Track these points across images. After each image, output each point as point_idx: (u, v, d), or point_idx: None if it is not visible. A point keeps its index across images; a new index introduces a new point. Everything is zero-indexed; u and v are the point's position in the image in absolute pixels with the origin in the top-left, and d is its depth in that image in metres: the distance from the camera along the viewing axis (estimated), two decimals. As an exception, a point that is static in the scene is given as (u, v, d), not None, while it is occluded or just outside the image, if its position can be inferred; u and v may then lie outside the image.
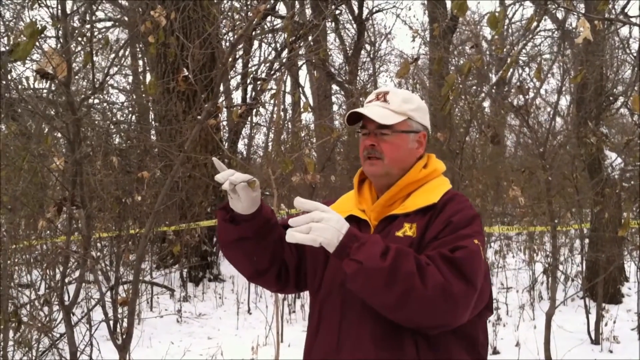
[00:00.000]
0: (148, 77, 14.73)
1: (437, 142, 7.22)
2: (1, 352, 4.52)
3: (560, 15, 12.20)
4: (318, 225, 1.75)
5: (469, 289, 1.74)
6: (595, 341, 6.89)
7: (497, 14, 3.01)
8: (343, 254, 1.75)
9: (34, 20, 3.11)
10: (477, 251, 1.79)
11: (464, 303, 1.74)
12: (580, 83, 7.85)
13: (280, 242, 2.08)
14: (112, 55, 8.33)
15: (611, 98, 9.08)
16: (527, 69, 11.03)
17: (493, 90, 10.89)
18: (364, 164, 2.05)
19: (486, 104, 12.44)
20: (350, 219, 1.99)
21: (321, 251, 1.91)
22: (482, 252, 1.82)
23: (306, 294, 2.08)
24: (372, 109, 2.02)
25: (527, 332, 7.12)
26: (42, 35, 3.15)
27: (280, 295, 6.89)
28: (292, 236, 1.76)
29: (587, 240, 8.51)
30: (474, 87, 9.96)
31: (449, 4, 14.90)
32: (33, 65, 5.82)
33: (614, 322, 7.17)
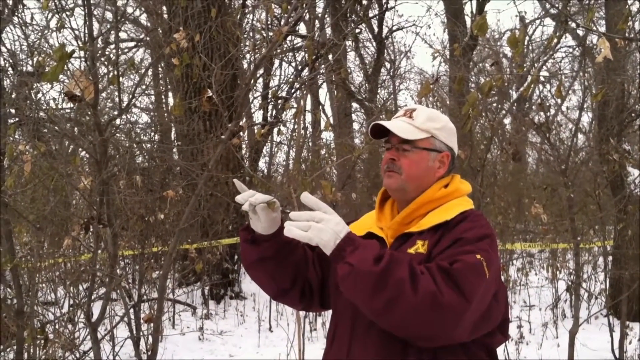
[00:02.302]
0: (170, 96, 14.90)
1: (458, 159, 7.23)
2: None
3: (580, 32, 12.19)
4: (317, 225, 1.77)
5: (462, 301, 1.70)
6: (620, 359, 6.81)
7: (517, 33, 3.03)
8: (339, 257, 1.76)
9: (63, 44, 3.19)
10: (476, 265, 1.77)
11: (455, 315, 1.71)
12: (602, 100, 7.83)
13: (304, 261, 2.11)
14: (137, 77, 8.45)
15: (633, 115, 9.03)
16: (547, 86, 11.02)
17: (514, 108, 10.88)
18: (383, 177, 2.07)
19: (507, 121, 12.42)
20: (369, 236, 2.01)
21: None
22: (485, 268, 1.78)
23: (328, 312, 2.11)
24: (395, 123, 2.04)
25: (551, 350, 7.06)
26: (69, 58, 3.23)
27: (302, 313, 6.90)
28: (290, 230, 1.78)
29: (610, 258, 8.43)
30: (495, 104, 9.95)
31: (468, 22, 14.93)
32: (59, 86, 5.92)
33: (638, 340, 7.09)
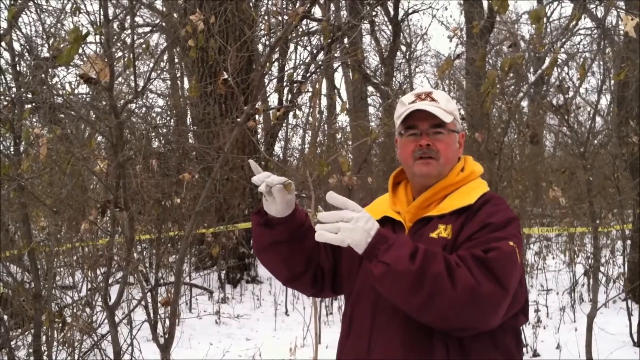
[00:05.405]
0: (185, 81, 14.90)
1: (474, 142, 7.17)
2: (46, 352, 4.61)
3: (599, 13, 12.02)
4: (347, 225, 1.73)
5: (500, 291, 1.69)
6: (638, 343, 6.76)
7: (538, 10, 2.98)
8: (372, 255, 1.73)
9: (77, 26, 3.17)
10: (511, 253, 1.75)
11: (494, 306, 1.71)
12: (621, 82, 7.72)
13: (316, 246, 2.08)
14: (152, 61, 8.44)
15: (653, 96, 8.91)
16: (566, 68, 10.88)
17: (532, 90, 10.77)
18: (414, 164, 2.00)
19: (524, 103, 12.31)
20: (385, 220, 1.99)
21: (356, 254, 1.91)
22: (517, 255, 1.77)
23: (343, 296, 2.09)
24: (432, 108, 1.99)
25: (568, 334, 7.02)
26: (84, 40, 3.21)
27: (318, 297, 6.91)
28: (321, 235, 1.75)
29: (629, 241, 8.36)
30: (512, 87, 9.85)
31: (485, 4, 14.78)
32: (75, 70, 5.92)
33: (658, 324, 7.03)
